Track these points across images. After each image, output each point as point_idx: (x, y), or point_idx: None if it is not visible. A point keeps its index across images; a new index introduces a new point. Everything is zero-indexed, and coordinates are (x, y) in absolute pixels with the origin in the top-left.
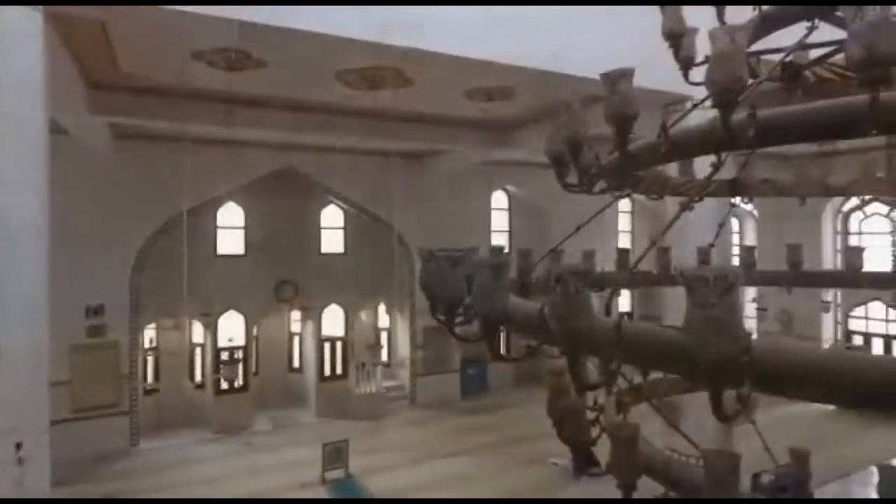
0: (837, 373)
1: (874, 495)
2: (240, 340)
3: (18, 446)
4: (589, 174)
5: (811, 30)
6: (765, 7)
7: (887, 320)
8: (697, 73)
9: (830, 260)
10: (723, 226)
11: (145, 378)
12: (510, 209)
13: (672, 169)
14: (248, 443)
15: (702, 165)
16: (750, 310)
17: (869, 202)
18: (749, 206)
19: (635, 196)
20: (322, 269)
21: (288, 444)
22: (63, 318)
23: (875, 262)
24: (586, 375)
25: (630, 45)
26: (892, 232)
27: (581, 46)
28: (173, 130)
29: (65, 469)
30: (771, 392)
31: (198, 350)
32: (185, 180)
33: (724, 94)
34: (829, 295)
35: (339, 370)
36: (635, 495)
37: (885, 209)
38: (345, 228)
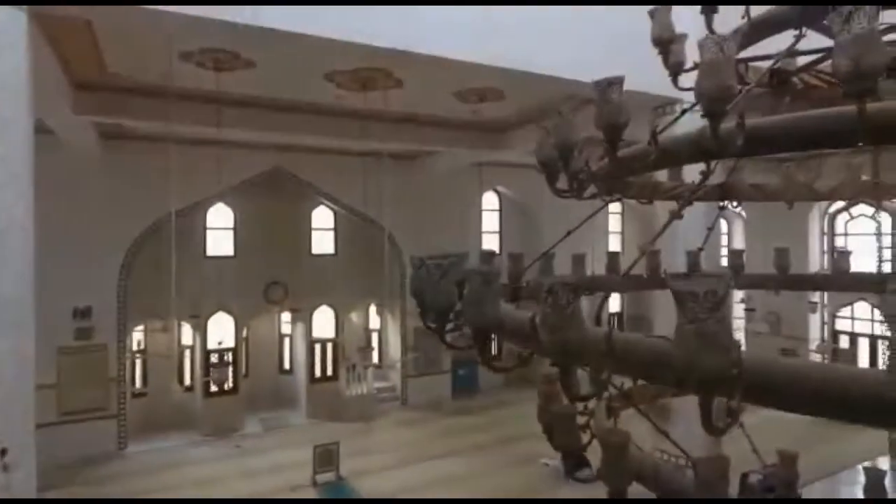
0: (824, 386)
1: (860, 495)
2: (229, 342)
3: (3, 452)
4: (579, 180)
5: (799, 38)
6: (753, 14)
7: (873, 320)
8: (686, 79)
9: (817, 260)
10: (711, 230)
11: (133, 381)
12: (501, 210)
13: (662, 173)
14: (238, 445)
15: (691, 169)
16: (738, 310)
17: (855, 204)
18: (738, 208)
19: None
20: (312, 271)
21: (278, 447)
22: (50, 320)
23: (861, 262)
24: (577, 386)
25: (619, 48)
26: (877, 233)
27: (571, 49)
28: (161, 131)
29: (52, 473)
30: (760, 404)
31: (187, 352)
32: (172, 181)
33: (714, 104)
34: (816, 296)
35: (329, 372)
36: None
37: (870, 210)
38: (335, 230)
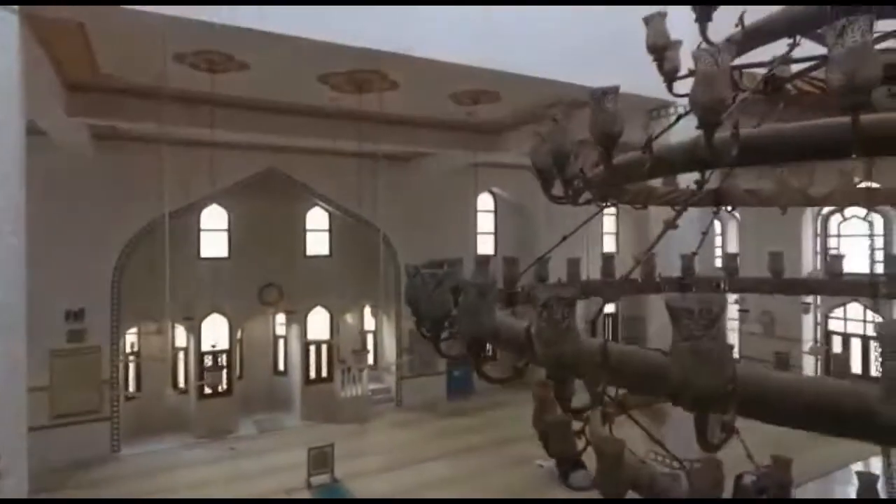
0: (818, 401)
1: (853, 495)
2: (223, 344)
3: None
4: (574, 188)
5: (793, 46)
6: (753, 19)
7: (865, 321)
8: (681, 84)
9: (810, 261)
10: (706, 234)
11: (127, 383)
12: (496, 211)
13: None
14: (232, 448)
15: (686, 175)
16: (732, 311)
17: (847, 206)
18: (732, 211)
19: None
20: (307, 272)
21: (273, 449)
22: (42, 322)
23: (853, 263)
24: (572, 394)
25: (614, 51)
26: (869, 234)
27: (566, 52)
28: (155, 132)
29: (44, 476)
30: (755, 418)
31: (181, 354)
32: (166, 182)
33: (708, 115)
34: (809, 297)
35: (324, 373)
36: None
37: (863, 212)
38: (330, 231)
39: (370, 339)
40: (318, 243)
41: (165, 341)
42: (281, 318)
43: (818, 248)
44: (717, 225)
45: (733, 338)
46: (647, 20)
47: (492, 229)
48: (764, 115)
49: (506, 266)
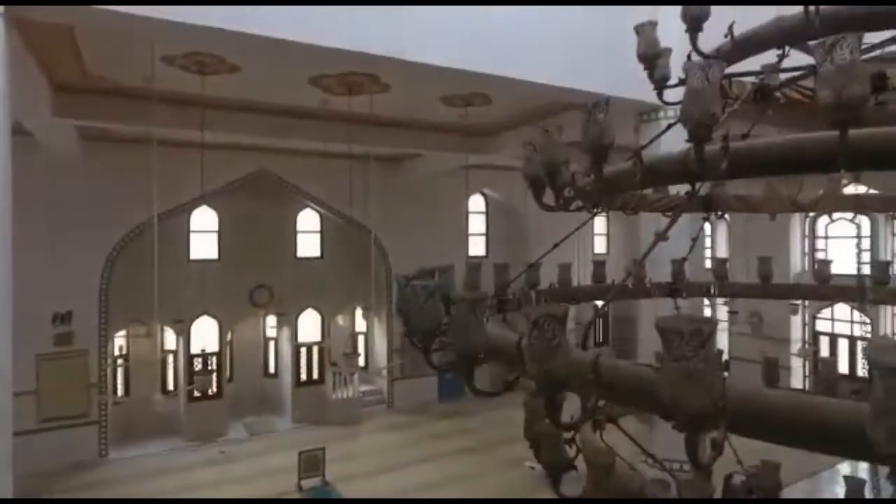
0: (809, 419)
1: (841, 495)
2: (213, 346)
3: None
4: (565, 197)
5: (782, 57)
6: (737, 34)
7: (852, 322)
8: (671, 91)
9: (799, 262)
10: (696, 240)
11: (115, 387)
12: (487, 212)
13: None
14: (222, 451)
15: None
16: (722, 312)
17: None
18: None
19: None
20: (298, 274)
21: (263, 452)
22: (29, 325)
23: (841, 263)
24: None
25: (605, 55)
26: (856, 236)
27: (557, 56)
28: (144, 133)
29: (31, 480)
30: (746, 436)
31: (170, 357)
32: (155, 183)
33: (699, 130)
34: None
35: (315, 375)
36: None
37: (850, 214)
38: (321, 232)
39: (361, 340)
40: (309, 245)
41: (154, 344)
42: (272, 320)
43: (806, 249)
44: (707, 227)
45: (723, 339)
46: (638, 29)
47: (483, 230)
48: (755, 119)
49: (497, 272)
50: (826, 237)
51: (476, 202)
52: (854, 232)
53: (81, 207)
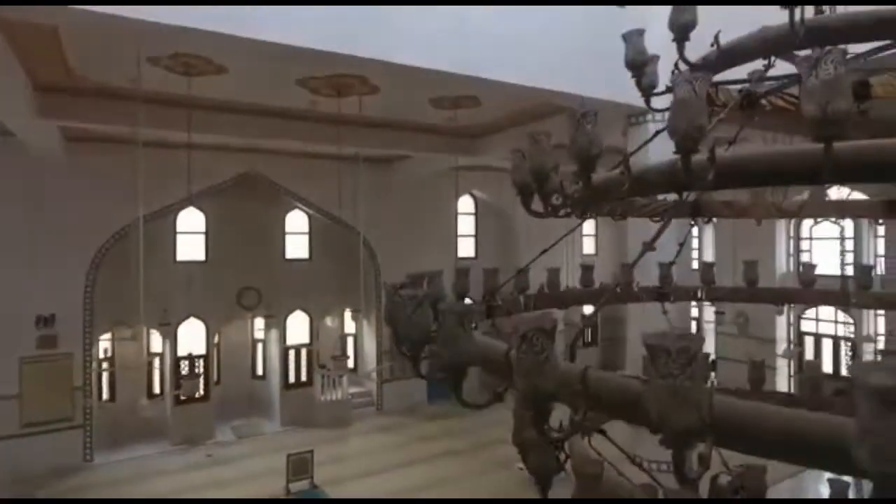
0: (797, 434)
1: (825, 494)
2: (200, 349)
3: None
4: (553, 205)
5: (768, 67)
6: (723, 43)
7: (836, 322)
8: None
9: (784, 263)
10: (683, 245)
11: (100, 390)
12: (476, 213)
13: None
14: (209, 454)
15: None
16: (709, 313)
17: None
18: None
19: None
20: (287, 275)
21: (251, 455)
22: (11, 328)
23: (825, 265)
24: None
25: (593, 58)
26: (840, 238)
27: (546, 59)
28: (129, 133)
29: (15, 486)
30: (733, 450)
31: (156, 360)
32: (140, 184)
33: (686, 142)
34: None
35: (303, 377)
36: None
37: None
38: (310, 233)
39: (350, 342)
40: (297, 246)
41: (140, 347)
42: (260, 322)
43: (791, 251)
44: (694, 229)
45: (710, 339)
46: (626, 37)
47: (472, 231)
48: (742, 123)
49: (485, 277)
50: (811, 238)
51: (465, 203)
52: (838, 233)
53: (66, 208)
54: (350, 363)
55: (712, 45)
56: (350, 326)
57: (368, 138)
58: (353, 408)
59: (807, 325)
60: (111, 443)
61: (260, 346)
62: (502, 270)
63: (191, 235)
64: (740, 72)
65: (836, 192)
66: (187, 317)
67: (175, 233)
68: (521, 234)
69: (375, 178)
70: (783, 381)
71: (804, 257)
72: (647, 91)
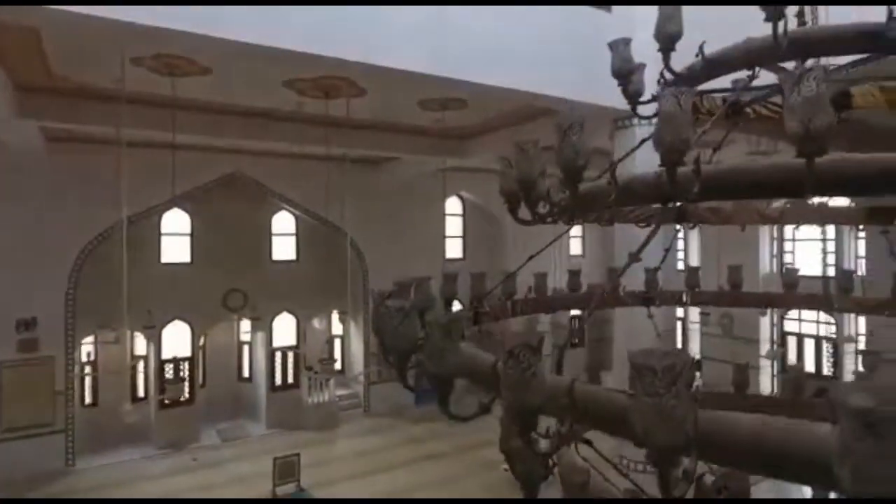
0: (782, 449)
1: (808, 494)
2: (185, 352)
3: None
4: (540, 213)
5: (752, 77)
6: (708, 53)
7: (818, 322)
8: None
9: (767, 264)
10: (668, 251)
11: (83, 394)
12: (464, 214)
13: None
14: (194, 458)
15: None
16: (694, 314)
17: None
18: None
19: None
20: (273, 277)
21: (237, 458)
22: None
23: (808, 266)
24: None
25: (580, 62)
26: (821, 238)
27: (532, 63)
28: (112, 133)
29: None
30: (718, 464)
31: (140, 363)
32: (124, 185)
33: (671, 155)
34: None
35: (290, 379)
36: None
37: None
38: (297, 235)
39: (338, 343)
40: (284, 247)
41: (124, 350)
42: (246, 324)
43: (775, 251)
44: (680, 231)
45: (695, 339)
46: (612, 46)
47: (460, 233)
48: (728, 129)
49: (473, 282)
50: (794, 239)
51: (453, 204)
52: (820, 234)
53: (47, 210)
54: (337, 365)
55: (697, 56)
56: (337, 328)
57: (356, 140)
58: (340, 410)
59: (790, 326)
60: (94, 447)
61: (246, 349)
62: (490, 271)
63: (176, 237)
64: (725, 79)
65: (818, 201)
66: (172, 319)
67: (160, 234)
68: (508, 234)
69: (363, 179)
70: (767, 380)
71: (787, 258)
72: (634, 99)
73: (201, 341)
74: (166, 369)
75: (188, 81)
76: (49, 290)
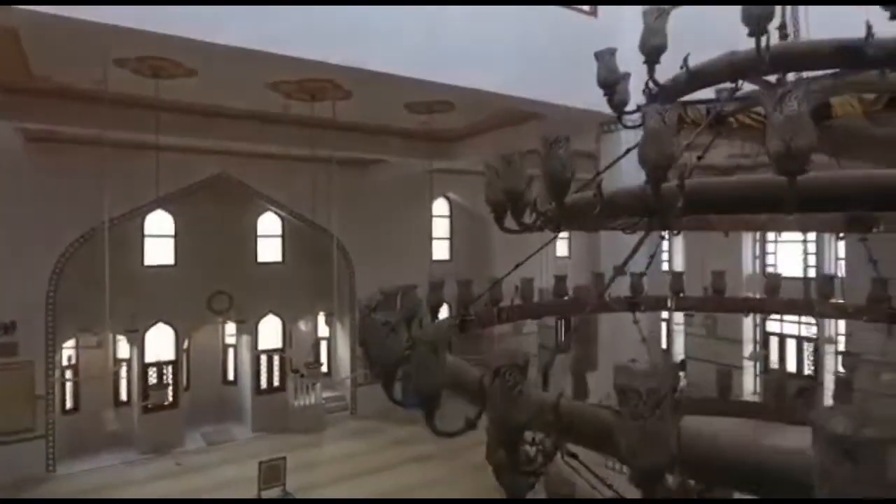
0: (765, 466)
1: None
2: (169, 355)
3: None
4: (525, 224)
5: (735, 90)
6: (692, 66)
7: (800, 323)
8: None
9: (750, 266)
10: (654, 257)
11: (64, 399)
12: (451, 216)
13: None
14: (178, 463)
15: None
16: (678, 316)
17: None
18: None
19: None
20: (259, 279)
21: (222, 462)
22: None
23: (789, 268)
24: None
25: (566, 66)
26: (802, 241)
27: (518, 67)
28: (95, 135)
29: None
30: (702, 482)
31: (123, 367)
32: (106, 186)
33: (656, 171)
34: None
35: (276, 382)
36: None
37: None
38: (283, 236)
39: (324, 346)
40: (270, 249)
41: (106, 354)
42: (231, 327)
43: (757, 253)
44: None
45: (679, 340)
46: (598, 56)
47: (447, 234)
48: (712, 136)
49: (459, 289)
50: (776, 241)
51: (440, 206)
52: (801, 237)
53: (27, 211)
54: (324, 368)
55: (682, 68)
56: (323, 330)
57: (343, 142)
58: (326, 412)
59: (772, 326)
60: (75, 453)
61: (231, 352)
62: (477, 273)
63: (159, 239)
64: (709, 90)
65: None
66: (156, 322)
67: (143, 236)
68: (495, 236)
69: (349, 181)
70: (749, 380)
71: (770, 260)
72: (619, 108)
73: (185, 344)
74: (150, 373)
75: (173, 84)
76: (29, 292)
